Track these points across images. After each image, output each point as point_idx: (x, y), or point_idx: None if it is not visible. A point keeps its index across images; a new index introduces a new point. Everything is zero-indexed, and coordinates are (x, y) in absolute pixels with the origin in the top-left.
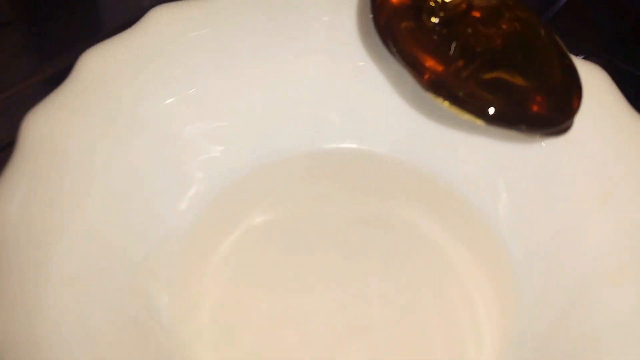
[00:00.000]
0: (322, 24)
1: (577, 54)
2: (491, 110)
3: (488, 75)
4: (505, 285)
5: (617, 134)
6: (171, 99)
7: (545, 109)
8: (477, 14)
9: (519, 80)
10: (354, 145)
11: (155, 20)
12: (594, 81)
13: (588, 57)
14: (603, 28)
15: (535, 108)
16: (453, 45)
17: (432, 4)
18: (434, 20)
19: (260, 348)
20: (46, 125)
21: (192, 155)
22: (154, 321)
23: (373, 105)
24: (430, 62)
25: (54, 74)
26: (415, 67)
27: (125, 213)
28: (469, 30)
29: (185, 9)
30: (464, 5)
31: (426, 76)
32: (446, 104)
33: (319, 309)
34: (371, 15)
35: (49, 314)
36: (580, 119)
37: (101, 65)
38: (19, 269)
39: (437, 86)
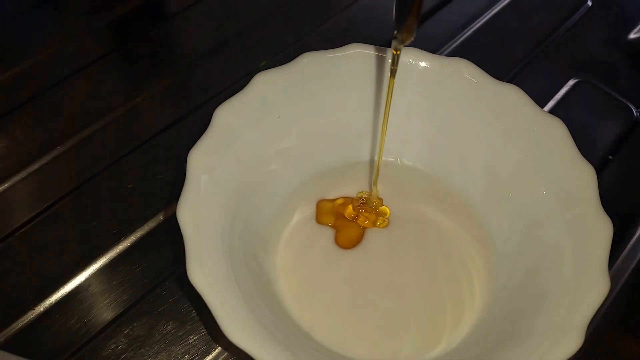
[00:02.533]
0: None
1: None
2: None
3: None
4: (488, 251)
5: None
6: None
7: None
8: None
9: None
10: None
11: (258, 83)
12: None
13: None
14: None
15: None
16: None
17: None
18: None
19: (329, 299)
20: (204, 156)
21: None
22: (261, 272)
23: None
24: None
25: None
26: None
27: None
28: None
29: (279, 75)
30: None
31: None
32: None
33: (367, 274)
34: None
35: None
36: None
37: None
38: None
39: None
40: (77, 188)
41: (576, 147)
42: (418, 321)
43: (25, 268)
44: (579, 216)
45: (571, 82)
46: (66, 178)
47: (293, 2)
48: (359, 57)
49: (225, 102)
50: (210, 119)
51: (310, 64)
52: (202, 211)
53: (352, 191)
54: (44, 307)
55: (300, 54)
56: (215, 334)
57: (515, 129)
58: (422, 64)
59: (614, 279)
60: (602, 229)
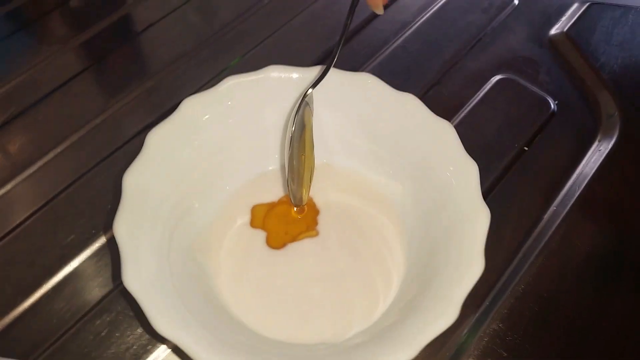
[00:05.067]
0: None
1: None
2: None
3: None
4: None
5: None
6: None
7: None
8: None
9: None
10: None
11: (186, 107)
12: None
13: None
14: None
15: None
16: None
17: None
18: None
19: (261, 291)
20: (138, 176)
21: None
22: (200, 272)
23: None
24: None
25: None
26: None
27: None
28: None
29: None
30: None
31: None
32: None
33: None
34: None
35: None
36: None
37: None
38: None
39: None
40: (48, 202)
41: (462, 146)
42: (339, 306)
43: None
44: (462, 207)
45: (494, 79)
46: (41, 191)
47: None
48: (276, 79)
49: (157, 126)
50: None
51: (233, 86)
52: (136, 224)
53: (275, 194)
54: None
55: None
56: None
57: (413, 131)
58: (333, 80)
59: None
60: (480, 217)
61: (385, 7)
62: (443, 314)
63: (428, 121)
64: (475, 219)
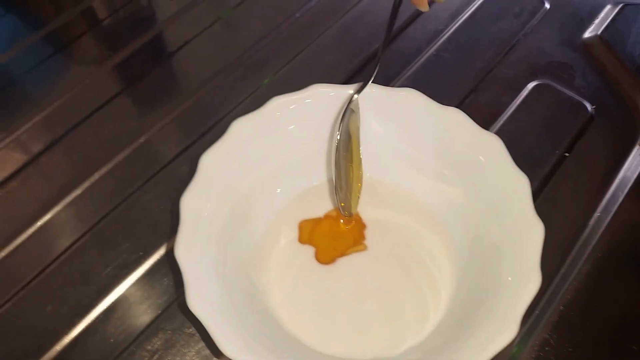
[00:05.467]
0: None
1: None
2: None
3: None
4: (450, 250)
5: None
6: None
7: None
8: None
9: None
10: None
11: (235, 129)
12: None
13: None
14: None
15: None
16: None
17: None
18: None
19: (313, 307)
20: (193, 200)
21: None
22: (254, 289)
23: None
24: None
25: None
26: None
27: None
28: None
29: (252, 120)
30: None
31: None
32: None
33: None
34: None
35: None
36: None
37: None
38: None
39: None
40: (96, 224)
41: (511, 159)
42: (392, 320)
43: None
44: (515, 220)
45: (530, 86)
46: (88, 212)
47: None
48: (320, 96)
49: (209, 148)
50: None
51: (277, 106)
52: (195, 247)
53: (322, 209)
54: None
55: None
56: (216, 351)
57: (460, 145)
58: (378, 94)
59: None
60: (534, 231)
61: (430, 4)
62: (502, 331)
63: (475, 135)
64: (530, 233)
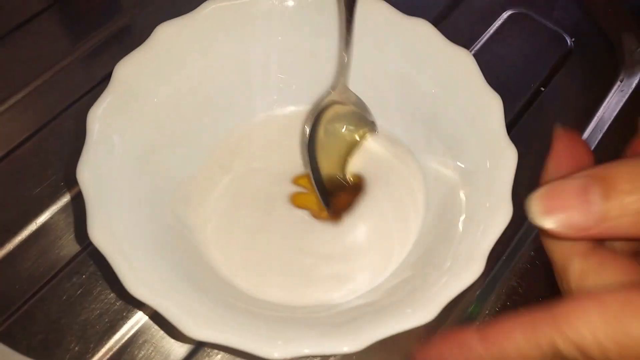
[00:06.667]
0: None
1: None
2: None
3: None
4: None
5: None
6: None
7: None
8: None
9: None
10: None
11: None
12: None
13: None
14: None
15: None
16: None
17: None
18: None
19: (247, 242)
20: (104, 115)
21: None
22: (181, 225)
23: None
24: None
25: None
26: None
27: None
28: None
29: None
30: None
31: None
32: None
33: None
34: None
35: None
36: None
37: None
38: None
39: None
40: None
41: (482, 76)
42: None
43: None
44: (486, 143)
45: (505, 15)
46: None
47: None
48: (268, 5)
49: (127, 56)
50: None
51: (214, 12)
52: (104, 170)
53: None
54: None
55: None
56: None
57: (426, 61)
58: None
59: None
60: (508, 157)
61: None
62: (467, 268)
63: (443, 49)
64: (501, 159)
